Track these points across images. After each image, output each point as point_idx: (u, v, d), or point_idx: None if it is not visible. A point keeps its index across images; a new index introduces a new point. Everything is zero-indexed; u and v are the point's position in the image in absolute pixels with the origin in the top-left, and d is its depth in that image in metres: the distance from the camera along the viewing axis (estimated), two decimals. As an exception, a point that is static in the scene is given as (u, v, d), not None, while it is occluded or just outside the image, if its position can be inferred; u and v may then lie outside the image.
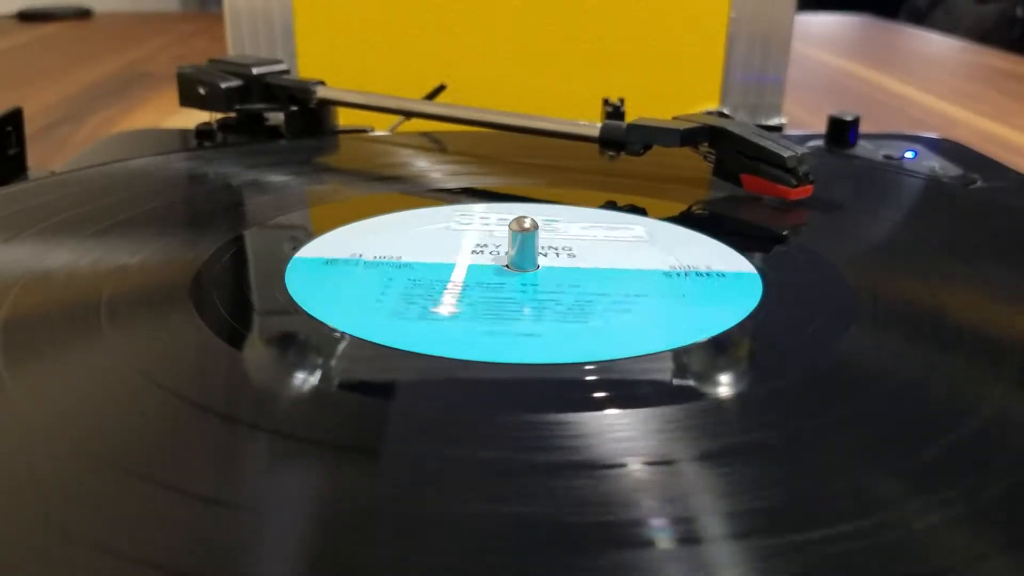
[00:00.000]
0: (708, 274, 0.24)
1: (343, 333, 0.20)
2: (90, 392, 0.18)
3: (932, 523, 0.14)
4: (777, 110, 0.50)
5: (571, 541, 0.13)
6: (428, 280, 0.24)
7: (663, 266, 0.25)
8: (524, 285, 0.23)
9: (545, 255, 0.25)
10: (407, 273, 0.24)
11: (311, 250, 0.26)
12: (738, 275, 0.24)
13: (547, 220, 0.28)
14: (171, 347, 0.20)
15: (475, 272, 0.24)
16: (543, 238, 0.27)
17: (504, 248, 0.25)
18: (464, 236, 0.27)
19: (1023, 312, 0.23)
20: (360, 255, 0.25)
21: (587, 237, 0.27)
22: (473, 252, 0.26)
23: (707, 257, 0.25)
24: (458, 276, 0.24)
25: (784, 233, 0.29)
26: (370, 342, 0.20)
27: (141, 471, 0.15)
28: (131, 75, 0.74)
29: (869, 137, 0.44)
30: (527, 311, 0.22)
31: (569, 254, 0.26)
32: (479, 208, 0.30)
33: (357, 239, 0.27)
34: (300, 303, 0.22)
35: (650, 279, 0.24)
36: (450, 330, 0.21)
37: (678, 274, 0.24)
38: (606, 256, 0.25)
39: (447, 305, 0.22)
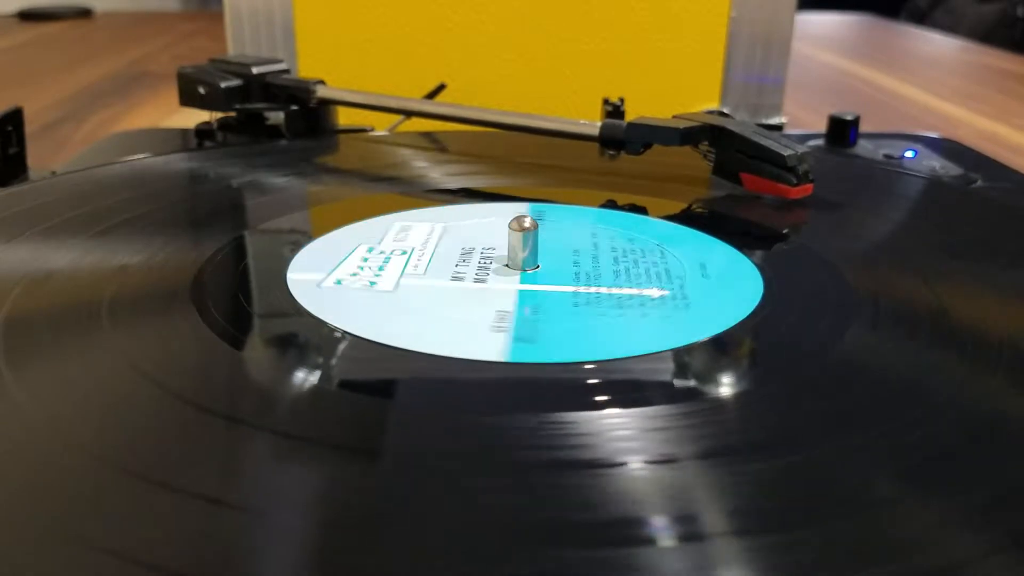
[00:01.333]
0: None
1: (344, 332, 0.20)
2: (91, 393, 0.18)
3: (932, 521, 0.14)
4: (777, 110, 0.50)
5: (572, 539, 0.13)
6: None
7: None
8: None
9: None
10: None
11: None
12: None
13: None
14: (172, 347, 0.20)
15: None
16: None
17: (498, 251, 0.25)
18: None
19: (1023, 311, 0.23)
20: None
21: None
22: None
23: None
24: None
25: (784, 232, 0.29)
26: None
27: (142, 471, 0.15)
28: (131, 75, 0.74)
29: (869, 137, 0.44)
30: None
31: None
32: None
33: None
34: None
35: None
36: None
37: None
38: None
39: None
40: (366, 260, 0.25)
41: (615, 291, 0.23)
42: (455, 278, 0.24)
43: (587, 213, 0.29)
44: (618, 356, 0.19)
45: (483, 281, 0.23)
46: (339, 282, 0.23)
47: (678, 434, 0.16)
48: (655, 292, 0.23)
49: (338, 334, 0.20)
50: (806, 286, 0.24)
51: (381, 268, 0.24)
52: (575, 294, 0.23)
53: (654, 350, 0.20)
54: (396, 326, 0.21)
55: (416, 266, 0.24)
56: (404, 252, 0.25)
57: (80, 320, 0.21)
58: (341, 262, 0.25)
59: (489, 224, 0.28)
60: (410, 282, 0.23)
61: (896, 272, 0.25)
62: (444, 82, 0.46)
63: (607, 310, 0.22)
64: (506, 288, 0.23)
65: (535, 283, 0.23)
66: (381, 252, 0.25)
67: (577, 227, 0.28)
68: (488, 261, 0.25)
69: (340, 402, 0.18)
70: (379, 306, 0.22)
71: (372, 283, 0.23)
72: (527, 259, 0.24)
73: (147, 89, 0.68)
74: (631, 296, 0.22)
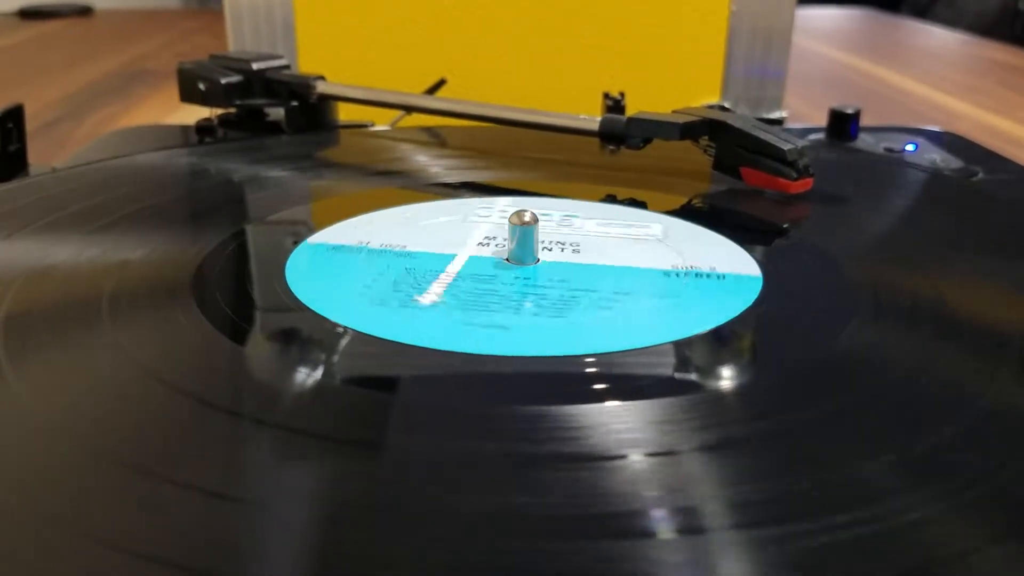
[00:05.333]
0: (709, 275, 0.24)
1: (344, 327, 0.20)
2: (92, 387, 0.18)
3: (931, 514, 0.14)
4: (778, 104, 0.50)
5: (570, 531, 0.13)
6: (423, 269, 0.24)
7: (666, 265, 0.24)
8: (516, 279, 0.23)
9: (550, 250, 0.25)
10: (405, 262, 0.24)
11: (321, 236, 0.26)
12: (738, 269, 0.24)
13: (566, 215, 0.28)
14: (173, 342, 0.20)
15: (473, 264, 0.24)
16: (557, 233, 0.27)
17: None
18: (477, 228, 0.27)
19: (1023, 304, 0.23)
20: (367, 243, 0.26)
21: (599, 234, 0.27)
22: (479, 244, 0.26)
23: (710, 254, 0.25)
24: (454, 267, 0.24)
25: (785, 226, 0.29)
26: (359, 331, 0.20)
27: (142, 465, 0.15)
28: (132, 72, 0.74)
29: (870, 130, 0.44)
30: (529, 305, 0.22)
31: (575, 250, 0.25)
32: (504, 201, 0.30)
33: (371, 227, 0.27)
34: (299, 295, 0.22)
35: (648, 277, 0.24)
36: (425, 319, 0.21)
37: (678, 273, 0.24)
38: (612, 253, 0.25)
39: (432, 294, 0.22)
40: (369, 254, 0.25)
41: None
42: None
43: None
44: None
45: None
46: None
47: (675, 427, 0.16)
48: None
49: (339, 329, 0.20)
50: (806, 280, 0.24)
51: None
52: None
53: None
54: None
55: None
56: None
57: (81, 315, 0.21)
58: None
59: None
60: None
61: (896, 266, 0.25)
62: (444, 78, 0.46)
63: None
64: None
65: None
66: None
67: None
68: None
69: (335, 393, 0.18)
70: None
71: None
72: (525, 253, 0.24)
73: (147, 86, 0.68)
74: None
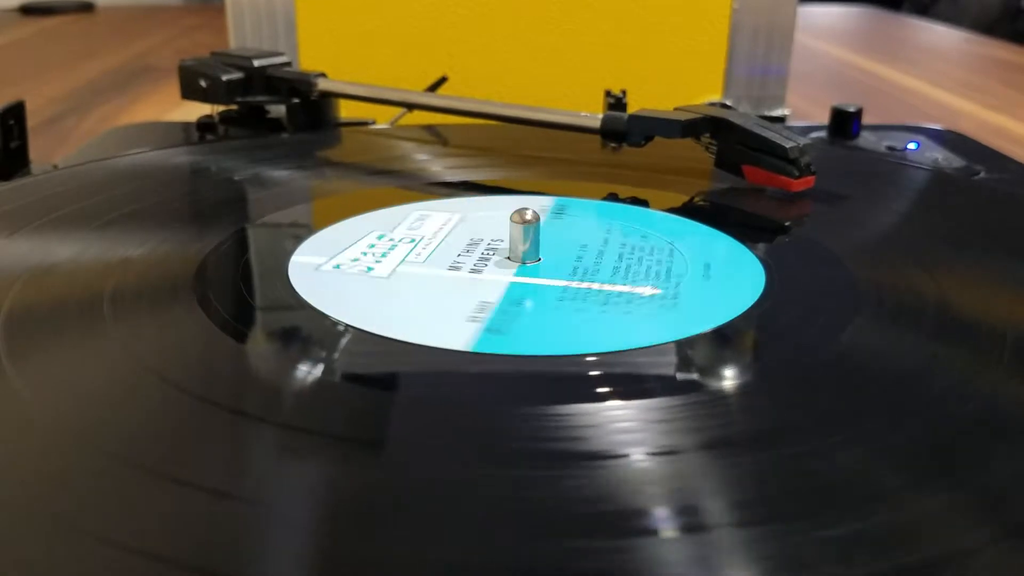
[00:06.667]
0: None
1: (347, 325, 0.20)
2: (93, 385, 0.18)
3: (933, 511, 0.14)
4: (780, 101, 0.50)
5: (570, 531, 0.13)
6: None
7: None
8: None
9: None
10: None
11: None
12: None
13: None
14: (174, 340, 0.20)
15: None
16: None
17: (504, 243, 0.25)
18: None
19: (1025, 303, 0.23)
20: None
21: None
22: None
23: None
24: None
25: (787, 224, 0.29)
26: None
27: (144, 463, 0.15)
28: (133, 69, 0.74)
29: (872, 128, 0.44)
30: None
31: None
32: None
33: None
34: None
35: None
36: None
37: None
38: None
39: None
40: (372, 247, 0.25)
41: (606, 287, 0.23)
42: (452, 267, 0.24)
43: (610, 209, 0.29)
44: (599, 351, 0.19)
45: (479, 272, 0.24)
46: (338, 267, 0.24)
47: (678, 426, 0.16)
48: (647, 290, 0.23)
49: (340, 326, 0.20)
50: (808, 278, 0.24)
51: (384, 255, 0.24)
52: (564, 289, 0.23)
53: (639, 345, 0.20)
54: (378, 312, 0.21)
55: (419, 254, 0.25)
56: (412, 240, 0.26)
57: (82, 313, 0.21)
58: (347, 247, 0.25)
59: (503, 216, 0.28)
60: (407, 269, 0.24)
61: (899, 264, 0.25)
62: (446, 75, 0.46)
63: (590, 306, 0.22)
64: (498, 279, 0.23)
65: (529, 275, 0.23)
66: (390, 240, 0.26)
67: (593, 222, 0.28)
68: (491, 252, 0.25)
69: (326, 391, 0.18)
70: (369, 292, 0.22)
71: (369, 268, 0.23)
72: (528, 252, 0.24)
73: (149, 83, 0.68)
74: (620, 293, 0.22)
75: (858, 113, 0.42)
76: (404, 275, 0.23)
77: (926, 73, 0.77)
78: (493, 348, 0.19)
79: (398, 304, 0.22)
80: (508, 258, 0.24)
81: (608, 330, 0.20)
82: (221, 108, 0.40)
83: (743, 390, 0.18)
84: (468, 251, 0.25)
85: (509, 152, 0.36)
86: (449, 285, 0.23)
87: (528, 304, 0.22)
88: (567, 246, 0.25)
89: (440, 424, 0.17)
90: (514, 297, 0.22)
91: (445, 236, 0.26)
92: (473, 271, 0.24)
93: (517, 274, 0.23)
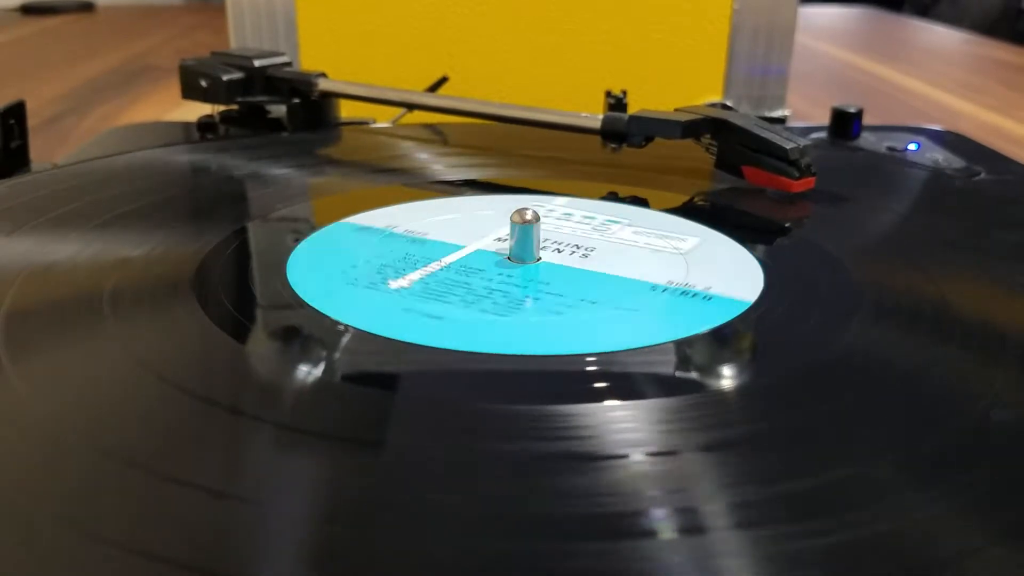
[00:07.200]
0: (696, 294, 0.23)
1: (346, 325, 0.20)
2: (93, 384, 0.18)
3: (933, 513, 0.14)
4: (780, 102, 0.50)
5: (570, 531, 0.13)
6: (420, 256, 0.24)
7: (660, 280, 0.23)
8: (500, 275, 0.23)
9: (560, 251, 0.25)
10: (411, 248, 0.25)
11: (365, 218, 0.28)
12: (736, 293, 0.24)
13: (608, 220, 0.28)
14: (174, 339, 0.20)
15: (474, 257, 0.24)
16: (581, 236, 0.26)
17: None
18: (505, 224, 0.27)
19: (1025, 304, 0.23)
20: (394, 227, 0.27)
21: (625, 241, 0.26)
22: (496, 240, 0.26)
23: (718, 272, 0.24)
24: (451, 258, 0.24)
25: (787, 225, 0.29)
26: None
27: (142, 462, 0.15)
28: (134, 68, 0.74)
29: (873, 129, 0.44)
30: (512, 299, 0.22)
31: (583, 255, 0.25)
32: (560, 201, 0.30)
33: (410, 214, 0.28)
34: (299, 291, 0.22)
35: (628, 289, 0.23)
36: (381, 304, 0.21)
37: (664, 289, 0.23)
38: (617, 262, 0.25)
39: (405, 281, 0.23)
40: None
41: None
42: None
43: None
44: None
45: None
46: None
47: (678, 426, 0.16)
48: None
49: (340, 326, 0.20)
50: (808, 279, 0.24)
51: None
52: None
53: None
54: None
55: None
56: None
57: (82, 312, 0.21)
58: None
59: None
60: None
61: (898, 265, 0.25)
62: (446, 75, 0.46)
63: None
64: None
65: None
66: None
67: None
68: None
69: (328, 391, 0.18)
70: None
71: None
72: (525, 252, 0.24)
73: (149, 83, 0.68)
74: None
75: (858, 114, 0.42)
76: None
77: (926, 74, 0.77)
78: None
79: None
80: (508, 258, 0.24)
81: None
82: (221, 108, 0.40)
83: (741, 390, 0.18)
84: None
85: (509, 152, 0.36)
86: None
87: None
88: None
89: (440, 424, 0.16)
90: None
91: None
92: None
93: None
